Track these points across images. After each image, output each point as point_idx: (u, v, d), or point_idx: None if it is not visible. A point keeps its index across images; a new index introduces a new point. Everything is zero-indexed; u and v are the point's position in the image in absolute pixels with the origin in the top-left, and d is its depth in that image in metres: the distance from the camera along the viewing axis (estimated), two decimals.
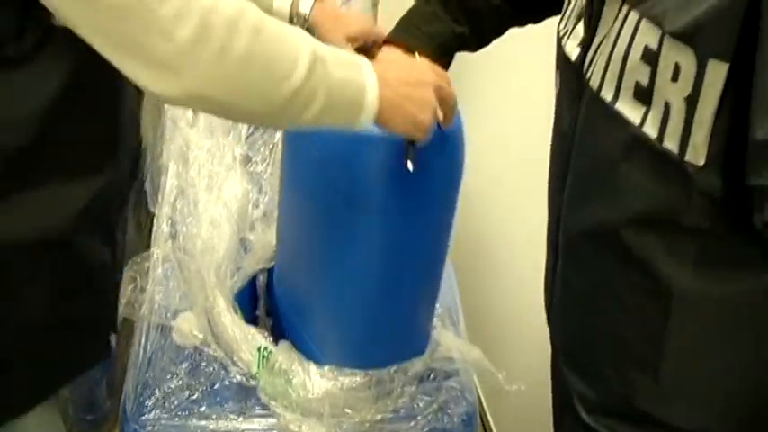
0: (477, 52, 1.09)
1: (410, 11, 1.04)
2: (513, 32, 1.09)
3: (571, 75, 0.78)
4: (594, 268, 0.80)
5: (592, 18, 0.75)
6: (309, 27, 1.04)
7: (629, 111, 0.69)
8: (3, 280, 0.83)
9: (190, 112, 1.43)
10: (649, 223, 0.71)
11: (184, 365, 1.15)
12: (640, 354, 0.76)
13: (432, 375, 1.21)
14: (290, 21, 1.04)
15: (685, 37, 0.62)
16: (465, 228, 2.15)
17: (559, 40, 0.83)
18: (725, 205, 0.65)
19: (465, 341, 1.28)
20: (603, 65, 0.72)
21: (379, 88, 0.77)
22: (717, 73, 0.61)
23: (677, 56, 0.63)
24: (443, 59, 1.00)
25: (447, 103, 0.86)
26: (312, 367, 1.12)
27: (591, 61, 0.74)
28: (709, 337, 0.73)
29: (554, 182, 0.86)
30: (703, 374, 0.74)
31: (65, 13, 0.68)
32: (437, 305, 1.35)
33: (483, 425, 2.01)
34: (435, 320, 1.32)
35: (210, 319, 1.19)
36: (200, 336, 1.18)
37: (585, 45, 0.76)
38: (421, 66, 0.86)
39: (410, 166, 0.88)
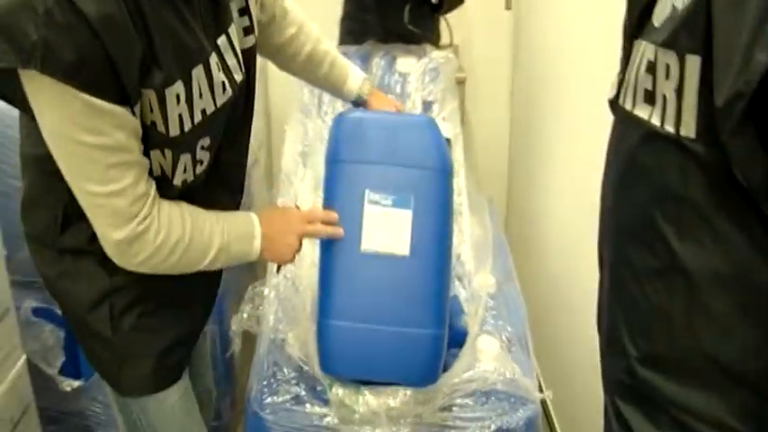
0: None
1: None
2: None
3: (612, 108, 0.96)
4: (629, 254, 0.90)
5: (624, 58, 0.95)
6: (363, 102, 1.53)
7: (642, 111, 0.85)
8: None
9: (300, 170, 1.81)
10: (661, 201, 0.82)
11: (293, 371, 1.44)
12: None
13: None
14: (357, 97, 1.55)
15: (669, 44, 0.79)
16: (540, 268, 2.37)
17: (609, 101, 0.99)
18: (716, 172, 0.75)
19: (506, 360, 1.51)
20: (627, 85, 0.89)
21: (263, 247, 1.23)
22: (693, 65, 0.75)
23: (667, 59, 0.79)
24: None
25: (314, 233, 1.34)
26: (363, 389, 1.36)
27: (622, 88, 0.92)
28: (716, 314, 0.79)
29: (601, 200, 0.99)
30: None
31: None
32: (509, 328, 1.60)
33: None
34: (506, 344, 1.56)
35: (307, 342, 1.45)
36: (301, 353, 1.47)
37: (620, 80, 0.94)
38: (292, 218, 1.30)
39: None
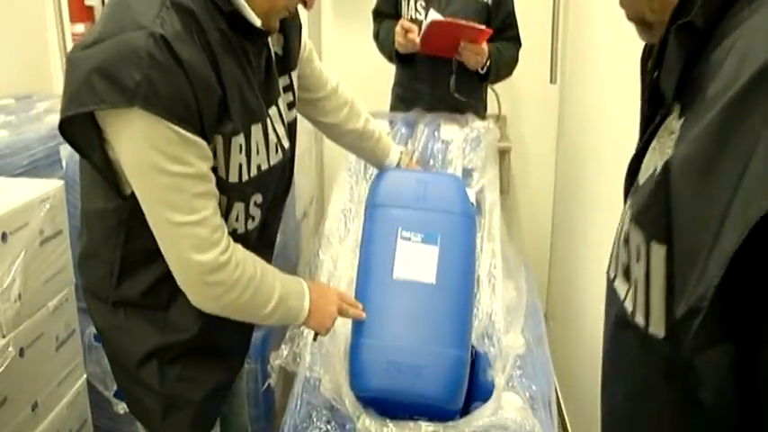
0: None
1: None
2: None
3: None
4: None
5: (624, 197, 0.82)
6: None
7: (620, 286, 0.73)
8: None
9: (341, 231, 1.94)
10: (638, 406, 0.72)
11: (324, 409, 1.51)
12: None
13: None
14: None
15: (638, 220, 0.67)
16: (577, 335, 2.42)
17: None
18: (690, 385, 0.62)
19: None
20: (614, 245, 0.77)
21: (311, 309, 1.34)
22: (658, 255, 0.63)
23: (637, 239, 0.67)
24: None
25: (345, 312, 1.43)
26: (388, 422, 1.43)
27: (614, 244, 0.78)
28: None
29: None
30: None
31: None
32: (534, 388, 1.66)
33: None
34: (530, 402, 1.60)
35: (339, 383, 1.53)
36: (333, 394, 1.55)
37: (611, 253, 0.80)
38: (331, 292, 1.43)
39: None
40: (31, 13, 3.15)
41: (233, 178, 1.19)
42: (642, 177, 0.72)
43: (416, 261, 1.49)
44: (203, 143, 1.10)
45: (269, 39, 1.26)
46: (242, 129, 1.18)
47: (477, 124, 2.16)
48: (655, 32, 0.75)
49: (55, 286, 1.67)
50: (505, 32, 2.39)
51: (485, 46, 2.23)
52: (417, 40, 2.22)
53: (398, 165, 1.72)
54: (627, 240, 0.71)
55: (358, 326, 1.48)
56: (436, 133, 2.13)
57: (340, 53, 3.13)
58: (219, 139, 1.14)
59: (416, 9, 2.35)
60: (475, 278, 1.57)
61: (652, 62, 0.74)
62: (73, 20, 3.16)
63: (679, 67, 0.67)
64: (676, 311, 0.60)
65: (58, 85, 3.25)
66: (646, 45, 0.84)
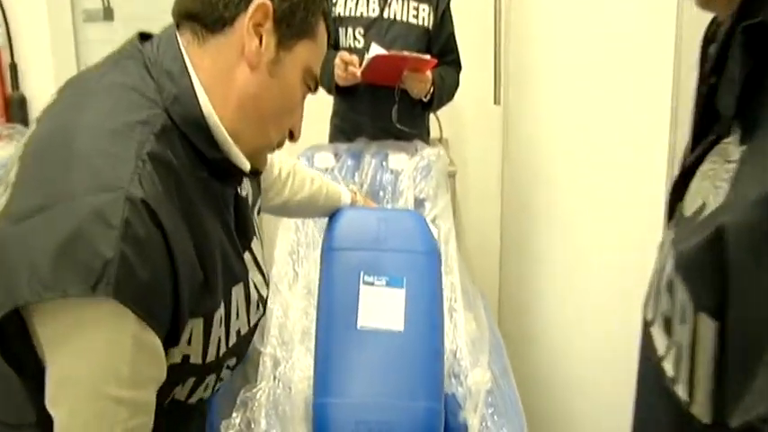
0: None
1: None
2: None
3: None
4: None
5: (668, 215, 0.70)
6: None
7: (659, 339, 0.62)
8: None
9: (290, 276, 1.80)
10: None
11: None
12: None
13: None
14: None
15: (684, 275, 0.55)
16: (533, 367, 2.36)
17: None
18: None
19: None
20: (653, 280, 0.65)
21: None
22: (708, 329, 0.52)
23: (682, 295, 0.55)
24: None
25: None
26: None
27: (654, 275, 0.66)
28: None
29: None
30: None
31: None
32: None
33: None
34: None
35: None
36: None
37: (660, 247, 0.68)
38: None
39: None
40: None
41: (210, 357, 0.96)
42: (688, 209, 0.59)
43: (382, 307, 1.40)
44: (162, 353, 0.86)
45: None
46: (222, 297, 0.96)
47: (427, 152, 2.10)
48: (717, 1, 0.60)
49: None
50: (446, 56, 2.35)
51: (428, 73, 2.19)
52: (358, 72, 2.15)
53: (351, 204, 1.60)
54: (670, 289, 0.58)
55: (321, 383, 1.36)
56: (384, 163, 2.07)
57: None
58: (198, 322, 0.91)
59: (355, 37, 2.28)
60: (444, 318, 1.50)
61: (711, 64, 0.59)
62: None
63: (742, 80, 0.53)
64: (728, 417, 0.49)
65: None
66: (710, 24, 0.67)
